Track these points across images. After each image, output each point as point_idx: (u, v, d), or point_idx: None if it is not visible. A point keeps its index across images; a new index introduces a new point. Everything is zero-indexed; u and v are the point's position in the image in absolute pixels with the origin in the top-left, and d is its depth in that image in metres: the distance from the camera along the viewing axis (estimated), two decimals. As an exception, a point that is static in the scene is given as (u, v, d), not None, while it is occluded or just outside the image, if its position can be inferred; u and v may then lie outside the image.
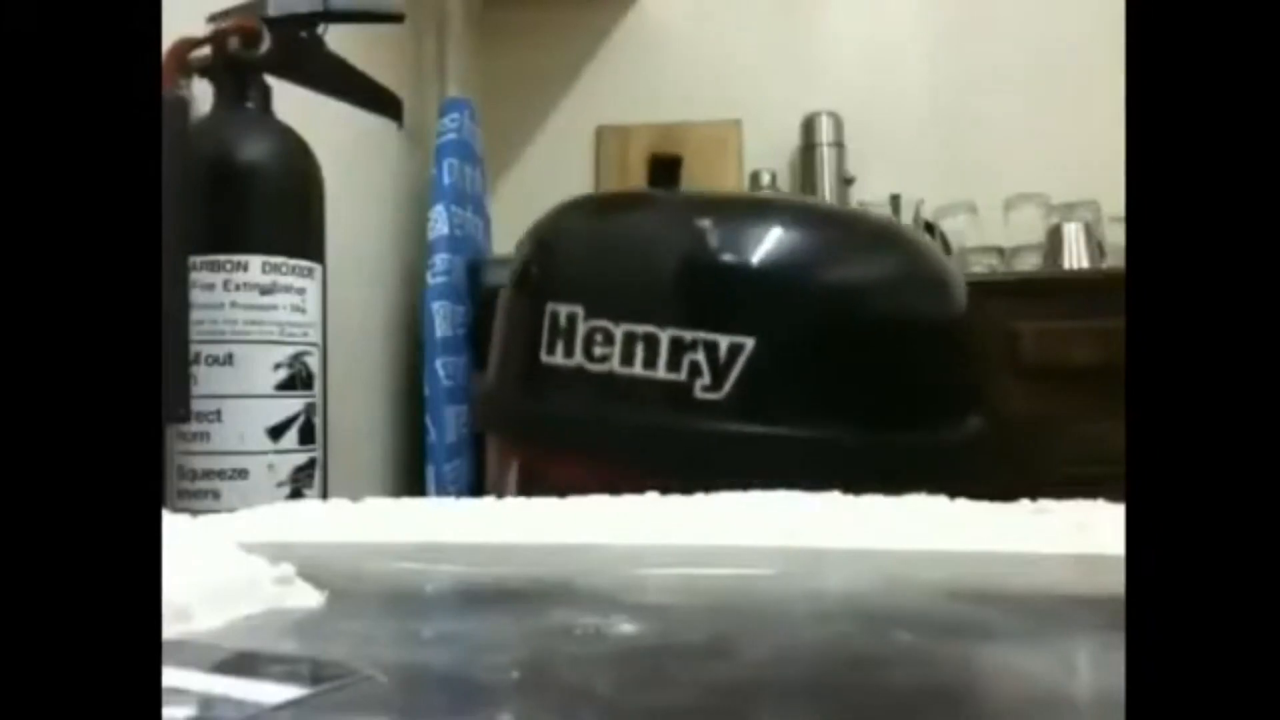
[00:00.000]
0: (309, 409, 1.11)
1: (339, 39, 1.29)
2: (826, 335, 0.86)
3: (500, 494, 0.96)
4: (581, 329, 0.86)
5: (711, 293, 0.86)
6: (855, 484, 0.81)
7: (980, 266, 2.30)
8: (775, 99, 2.63)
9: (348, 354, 1.72)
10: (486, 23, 2.80)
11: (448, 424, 2.10)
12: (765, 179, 2.56)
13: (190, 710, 0.32)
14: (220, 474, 1.00)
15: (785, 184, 2.63)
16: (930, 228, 2.35)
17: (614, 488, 0.82)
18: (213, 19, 1.19)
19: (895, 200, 2.41)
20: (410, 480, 2.19)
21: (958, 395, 0.92)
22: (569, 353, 0.86)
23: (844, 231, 0.93)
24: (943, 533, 0.50)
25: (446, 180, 2.20)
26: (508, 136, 2.80)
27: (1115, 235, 2.26)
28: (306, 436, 1.10)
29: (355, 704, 0.33)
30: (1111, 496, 0.46)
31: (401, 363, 2.24)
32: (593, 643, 0.39)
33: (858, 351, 0.87)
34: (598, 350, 0.85)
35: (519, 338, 0.94)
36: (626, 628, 0.40)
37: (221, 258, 1.07)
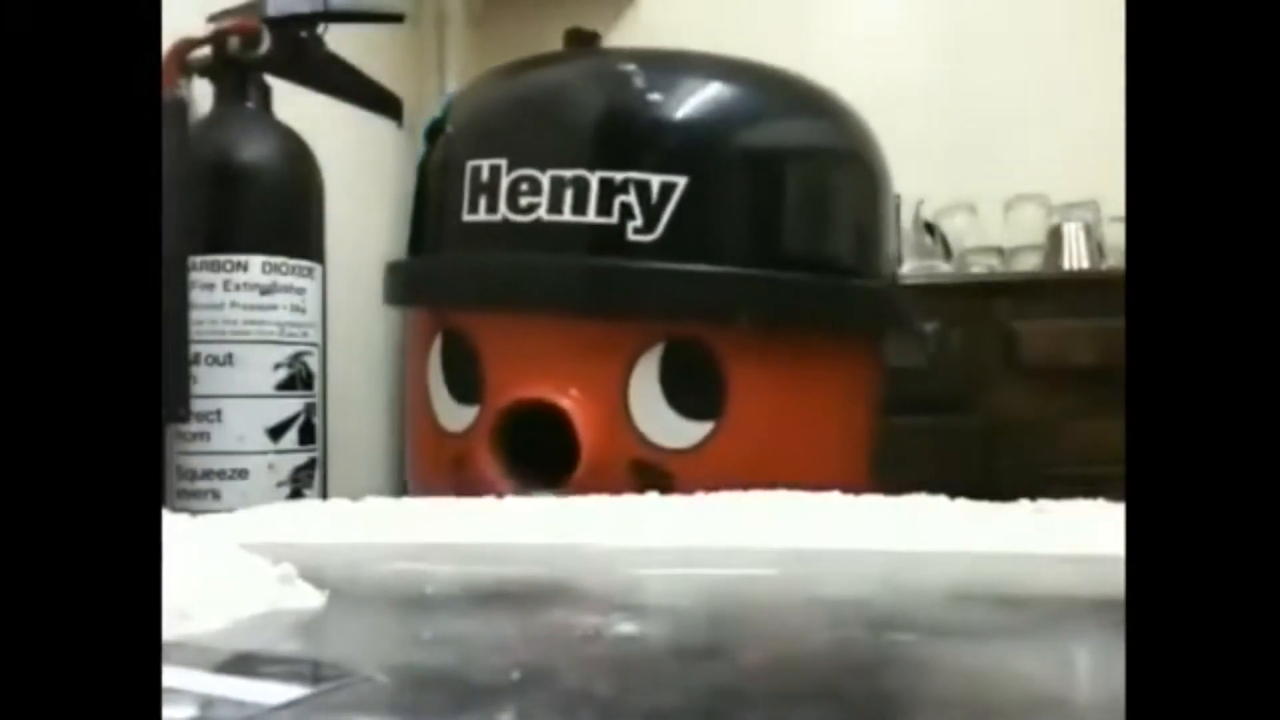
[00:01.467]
0: (309, 409, 1.10)
1: (339, 39, 1.29)
2: (755, 176, 0.87)
3: (422, 373, 0.92)
4: (505, 181, 0.84)
5: (643, 133, 0.85)
6: (777, 317, 0.82)
7: (980, 266, 2.30)
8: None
9: (348, 354, 1.72)
10: (486, 22, 2.79)
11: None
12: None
13: (190, 710, 0.32)
14: (220, 474, 0.99)
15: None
16: (930, 227, 2.34)
17: (539, 342, 0.81)
18: (213, 19, 1.19)
19: (896, 199, 2.40)
20: (410, 480, 2.18)
21: (869, 251, 0.95)
22: (492, 207, 0.85)
23: (776, 83, 0.94)
24: (943, 533, 0.50)
25: (446, 180, 2.19)
26: (508, 136, 2.79)
27: (1115, 235, 2.26)
28: (306, 436, 1.10)
29: (355, 704, 0.33)
30: (1111, 496, 0.46)
31: (401, 362, 2.24)
32: (592, 643, 0.39)
33: (782, 194, 0.88)
34: (524, 200, 0.83)
35: (439, 203, 0.92)
36: (626, 628, 0.40)
37: (221, 258, 1.07)
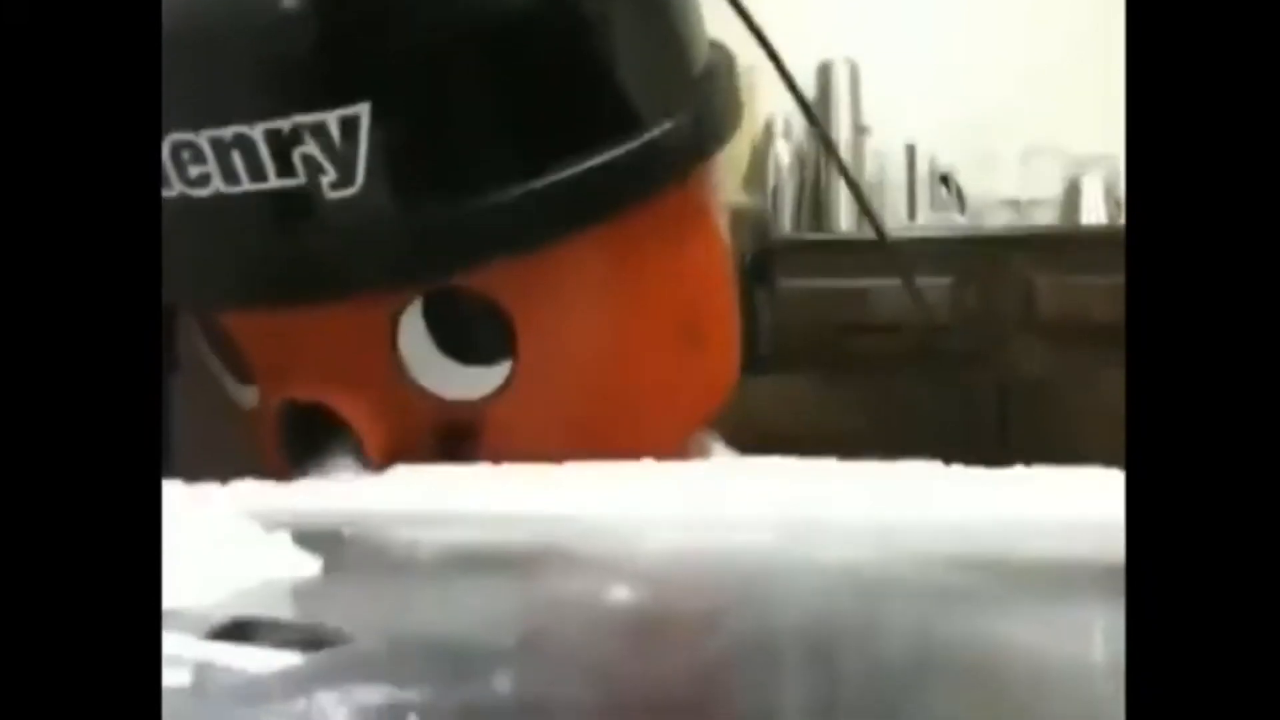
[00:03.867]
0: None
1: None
2: (455, 70, 0.66)
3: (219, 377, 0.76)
4: (166, 148, 0.65)
5: (291, 58, 0.64)
6: (535, 240, 0.66)
7: (996, 219, 2.29)
8: (791, 46, 2.60)
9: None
10: None
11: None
12: (779, 126, 2.54)
13: (186, 677, 0.32)
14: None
15: (799, 132, 2.60)
16: (945, 179, 2.33)
17: (281, 333, 0.67)
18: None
19: (911, 150, 2.39)
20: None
21: (642, 95, 0.72)
22: (166, 181, 0.65)
23: None
24: (938, 499, 0.50)
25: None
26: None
27: (1134, 188, 2.25)
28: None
29: (351, 670, 0.33)
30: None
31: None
32: (589, 610, 0.39)
33: (503, 81, 0.67)
34: (193, 171, 0.64)
35: None
36: (622, 595, 0.40)
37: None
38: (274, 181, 0.63)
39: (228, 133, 0.63)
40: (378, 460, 0.64)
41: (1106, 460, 0.54)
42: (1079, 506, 0.48)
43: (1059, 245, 2.10)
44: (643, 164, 0.69)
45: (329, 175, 0.63)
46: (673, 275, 0.75)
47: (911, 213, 2.37)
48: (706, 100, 0.75)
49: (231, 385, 0.73)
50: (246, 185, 0.63)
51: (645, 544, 0.49)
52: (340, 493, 0.55)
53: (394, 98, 0.63)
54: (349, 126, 0.62)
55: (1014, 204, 2.36)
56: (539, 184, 0.65)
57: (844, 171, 1.59)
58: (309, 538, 0.43)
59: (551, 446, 0.61)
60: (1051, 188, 2.33)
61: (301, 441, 0.67)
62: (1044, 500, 0.49)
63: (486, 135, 0.67)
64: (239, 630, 0.35)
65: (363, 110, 0.62)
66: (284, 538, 0.42)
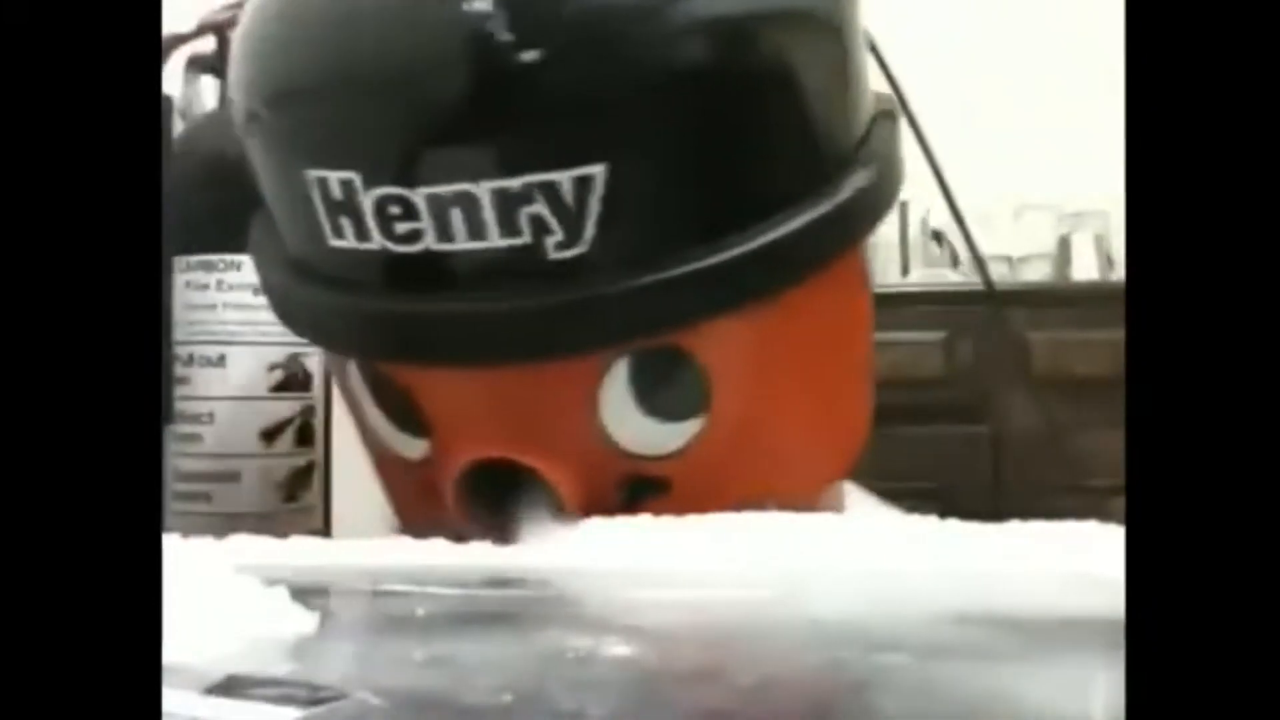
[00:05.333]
0: (306, 411, 1.10)
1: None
2: (674, 128, 0.62)
3: (351, 394, 0.76)
4: (367, 202, 0.61)
5: (525, 114, 0.60)
6: (753, 296, 0.64)
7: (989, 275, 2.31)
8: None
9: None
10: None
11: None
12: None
13: (182, 733, 0.32)
14: (211, 477, 0.99)
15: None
16: (938, 235, 2.35)
17: (477, 393, 0.65)
18: (216, 14, 1.18)
19: (904, 206, 2.41)
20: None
21: (836, 149, 0.69)
22: (362, 234, 0.62)
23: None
24: (936, 553, 0.50)
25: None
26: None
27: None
28: (303, 439, 1.09)
29: (348, 726, 0.33)
30: (1119, 508, 0.45)
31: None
32: (586, 665, 0.39)
33: (744, 135, 0.64)
34: (400, 227, 0.61)
35: (291, 216, 0.67)
36: (620, 650, 0.40)
37: (214, 257, 1.07)
38: (495, 241, 0.60)
39: (448, 190, 0.60)
40: (574, 516, 0.63)
41: (1099, 514, 0.54)
42: (1076, 560, 0.48)
43: (1051, 300, 2.12)
44: (842, 219, 0.67)
45: (555, 236, 0.60)
46: (850, 332, 0.74)
47: (905, 268, 2.38)
48: (885, 153, 0.73)
49: (394, 435, 0.71)
50: (463, 244, 0.61)
51: (643, 598, 0.49)
52: (338, 550, 0.55)
53: (625, 157, 0.60)
54: (582, 187, 0.59)
55: (1006, 260, 2.38)
56: (754, 244, 0.63)
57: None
58: (307, 593, 0.43)
59: (728, 503, 0.61)
60: (1044, 244, 2.35)
61: (486, 497, 0.65)
62: (1041, 554, 0.49)
63: (704, 192, 0.64)
64: (235, 686, 0.35)
65: (598, 171, 0.59)
66: (281, 593, 0.42)
